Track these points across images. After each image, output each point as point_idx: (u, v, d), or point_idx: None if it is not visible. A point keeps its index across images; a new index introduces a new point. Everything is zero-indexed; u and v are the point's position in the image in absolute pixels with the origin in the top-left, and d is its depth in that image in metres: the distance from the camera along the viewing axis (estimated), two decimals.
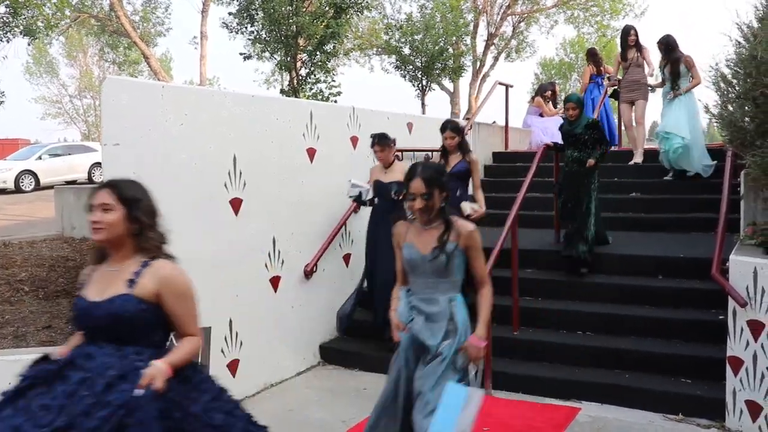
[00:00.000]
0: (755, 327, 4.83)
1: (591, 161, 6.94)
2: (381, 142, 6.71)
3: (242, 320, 5.96)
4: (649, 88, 9.79)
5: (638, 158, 9.62)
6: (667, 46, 8.77)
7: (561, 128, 7.52)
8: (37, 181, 19.89)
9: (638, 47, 9.70)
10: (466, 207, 6.25)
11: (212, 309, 5.60)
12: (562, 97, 13.59)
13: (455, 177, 6.39)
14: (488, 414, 5.43)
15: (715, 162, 8.48)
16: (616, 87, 10.27)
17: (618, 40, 10.88)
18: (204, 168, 5.59)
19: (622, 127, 11.07)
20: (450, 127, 6.70)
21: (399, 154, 8.27)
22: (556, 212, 7.80)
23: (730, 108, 5.72)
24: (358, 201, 6.93)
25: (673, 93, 8.67)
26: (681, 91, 8.60)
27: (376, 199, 6.80)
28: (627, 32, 9.79)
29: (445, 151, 6.74)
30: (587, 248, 6.88)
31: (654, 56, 9.59)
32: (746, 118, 5.43)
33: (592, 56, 12.90)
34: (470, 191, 6.84)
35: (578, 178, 7.07)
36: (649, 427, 5.18)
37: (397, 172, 6.47)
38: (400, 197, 5.32)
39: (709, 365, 5.49)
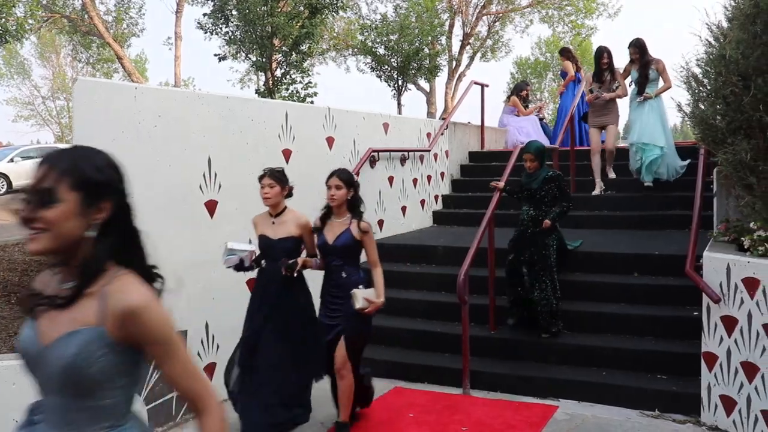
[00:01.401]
0: (729, 323, 4.88)
1: (547, 222, 6.16)
2: (273, 175, 4.95)
3: (219, 323, 5.91)
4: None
5: (611, 174, 9.33)
6: (641, 48, 8.55)
7: (522, 180, 6.52)
8: (9, 183, 19.61)
9: (611, 69, 9.23)
10: (358, 297, 4.74)
11: (188, 312, 5.57)
12: (536, 98, 13.69)
13: (340, 252, 4.92)
14: (466, 413, 5.46)
15: (688, 161, 8.50)
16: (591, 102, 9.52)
17: (594, 50, 10.60)
18: (178, 170, 5.54)
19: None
20: (338, 174, 4.96)
21: (375, 153, 8.27)
22: None
23: (702, 106, 5.78)
24: (240, 269, 4.97)
25: (643, 96, 8.42)
26: (651, 95, 8.38)
27: (263, 261, 5.00)
28: (600, 54, 9.31)
29: (327, 212, 5.07)
30: (555, 324, 6.23)
31: (624, 59, 9.44)
32: (717, 117, 5.48)
33: (571, 53, 13.08)
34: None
35: (533, 240, 6.26)
36: (625, 423, 5.22)
37: (290, 223, 4.91)
38: (293, 273, 4.78)
39: (684, 361, 5.55)
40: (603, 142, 9.30)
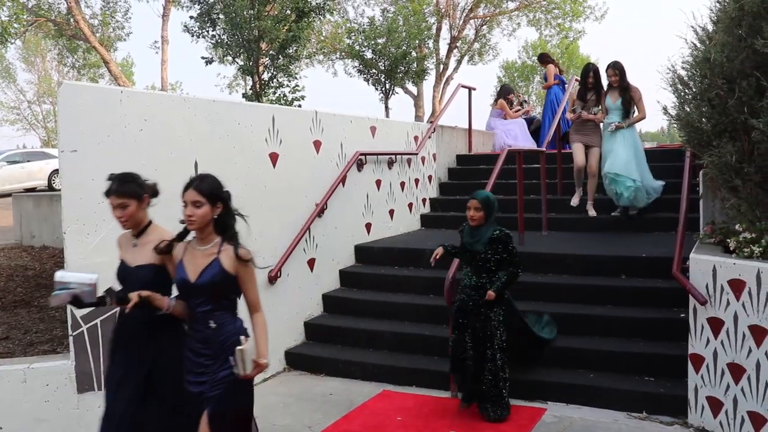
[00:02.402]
0: (715, 324, 4.90)
1: (490, 293, 5.18)
2: (122, 191, 3.76)
3: None
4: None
5: (591, 211, 8.84)
6: (621, 72, 8.12)
7: (462, 236, 5.54)
8: None
9: (598, 89, 8.76)
10: (245, 357, 3.44)
11: None
12: (521, 101, 13.80)
13: (206, 293, 3.56)
14: (454, 416, 5.45)
15: (663, 183, 8.30)
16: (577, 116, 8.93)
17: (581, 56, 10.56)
18: (165, 174, 5.49)
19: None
20: (196, 185, 3.59)
21: (362, 157, 8.26)
22: (520, 214, 7.84)
23: (687, 109, 5.81)
24: (80, 306, 3.75)
25: (616, 124, 8.04)
26: (624, 124, 8.02)
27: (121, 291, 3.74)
28: (586, 73, 8.89)
29: (183, 233, 3.75)
30: (502, 409, 5.34)
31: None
32: (703, 119, 5.51)
33: (550, 57, 13.25)
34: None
35: (476, 313, 5.33)
36: (613, 425, 5.23)
37: (153, 245, 3.78)
38: (114, 303, 3.71)
39: (671, 363, 5.56)
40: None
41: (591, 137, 8.71)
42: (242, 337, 3.44)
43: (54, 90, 43.94)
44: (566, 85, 12.34)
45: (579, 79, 9.15)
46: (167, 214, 5.69)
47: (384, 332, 6.84)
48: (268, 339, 3.64)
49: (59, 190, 4.96)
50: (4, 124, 48.28)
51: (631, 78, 8.25)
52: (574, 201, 8.98)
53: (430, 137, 10.30)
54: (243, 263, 3.58)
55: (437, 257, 5.61)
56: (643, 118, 8.21)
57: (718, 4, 5.67)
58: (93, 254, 4.88)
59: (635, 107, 8.17)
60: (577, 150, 8.81)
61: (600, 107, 8.52)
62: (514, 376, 5.93)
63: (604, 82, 8.68)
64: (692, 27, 5.81)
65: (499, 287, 5.23)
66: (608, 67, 8.24)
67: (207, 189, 3.57)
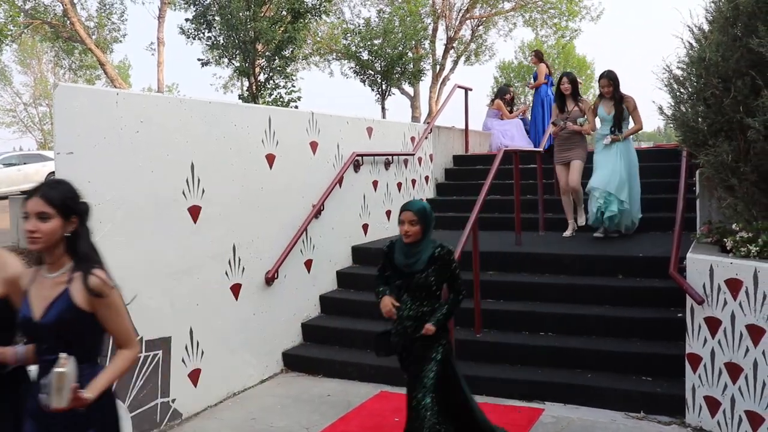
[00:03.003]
0: (712, 324, 4.90)
1: (429, 327, 4.13)
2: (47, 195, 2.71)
3: (203, 329, 5.88)
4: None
5: (570, 231, 8.40)
6: (614, 81, 7.65)
7: (388, 256, 4.42)
8: None
9: (576, 97, 8.28)
10: (63, 384, 2.51)
11: (172, 318, 5.54)
12: (519, 101, 13.82)
13: (53, 334, 2.69)
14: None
15: (641, 216, 7.97)
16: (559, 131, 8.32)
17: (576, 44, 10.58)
18: (161, 176, 5.51)
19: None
20: (42, 194, 2.70)
21: (359, 158, 8.27)
22: (517, 214, 7.85)
23: (683, 109, 5.82)
24: None
25: (611, 138, 7.63)
26: (620, 137, 7.60)
27: None
28: (560, 80, 8.38)
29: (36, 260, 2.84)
30: None
31: (606, 65, 9.04)
32: (699, 119, 5.52)
33: (543, 57, 13.31)
34: None
35: (416, 345, 4.24)
36: (611, 425, 5.23)
37: None
38: None
39: (668, 363, 5.57)
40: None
41: (572, 152, 8.17)
42: (62, 356, 2.51)
43: (50, 92, 43.88)
44: (552, 84, 12.48)
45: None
46: (162, 219, 5.70)
47: None
48: (119, 376, 2.78)
49: None
50: (0, 126, 48.20)
51: (629, 79, 8.31)
52: (568, 232, 8.40)
53: (426, 138, 10.31)
54: (97, 296, 2.66)
55: (393, 312, 4.22)
56: (640, 129, 7.87)
57: (713, 4, 5.68)
58: None
59: (630, 118, 7.78)
60: (561, 173, 8.33)
61: (585, 117, 8.09)
62: (510, 376, 5.94)
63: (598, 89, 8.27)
64: (688, 27, 5.82)
65: (440, 320, 4.17)
66: (601, 77, 7.82)
67: (58, 198, 2.68)
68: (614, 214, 7.58)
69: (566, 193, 8.30)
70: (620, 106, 7.65)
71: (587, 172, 8.10)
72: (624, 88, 7.74)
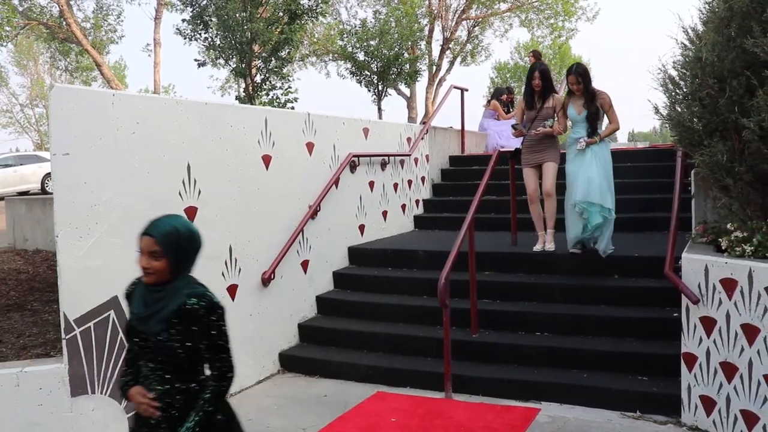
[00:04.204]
0: (707, 323, 4.91)
1: None
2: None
3: None
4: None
5: (549, 244, 7.33)
6: (584, 77, 6.77)
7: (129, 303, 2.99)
8: None
9: (546, 93, 7.25)
10: None
11: None
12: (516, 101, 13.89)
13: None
14: (448, 417, 5.46)
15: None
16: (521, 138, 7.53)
17: (571, 45, 10.54)
18: (157, 177, 5.51)
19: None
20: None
21: (355, 158, 8.28)
22: (513, 215, 7.86)
23: (678, 109, 5.83)
24: None
25: (585, 140, 6.71)
26: (595, 140, 6.70)
27: None
28: (531, 73, 7.34)
29: None
30: None
31: (603, 64, 8.51)
32: (694, 119, 5.53)
33: (539, 56, 13.39)
34: None
35: None
36: (607, 425, 5.24)
37: None
38: None
39: (664, 362, 5.58)
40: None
41: (544, 153, 7.22)
42: None
43: (46, 93, 43.82)
44: None
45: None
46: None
47: (378, 333, 6.84)
48: None
49: (52, 193, 4.95)
50: None
51: (625, 78, 8.22)
52: (538, 246, 7.37)
53: (422, 138, 10.32)
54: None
55: (154, 411, 2.77)
56: (617, 129, 7.00)
57: (707, 5, 5.70)
58: (86, 257, 4.87)
59: (605, 117, 6.95)
60: (530, 177, 7.33)
61: (555, 118, 7.18)
62: (506, 376, 5.95)
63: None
64: (682, 27, 5.83)
65: (191, 428, 2.69)
66: (568, 72, 6.93)
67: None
68: (599, 222, 6.70)
69: (535, 201, 7.34)
70: (593, 104, 6.75)
71: (561, 174, 7.27)
72: (620, 88, 7.69)
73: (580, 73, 6.77)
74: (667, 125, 6.53)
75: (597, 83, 7.14)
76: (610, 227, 6.81)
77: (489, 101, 13.70)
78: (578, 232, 6.87)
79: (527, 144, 7.33)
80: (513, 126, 7.50)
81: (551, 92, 7.30)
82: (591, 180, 6.64)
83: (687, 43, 5.80)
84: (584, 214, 6.72)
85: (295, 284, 7.24)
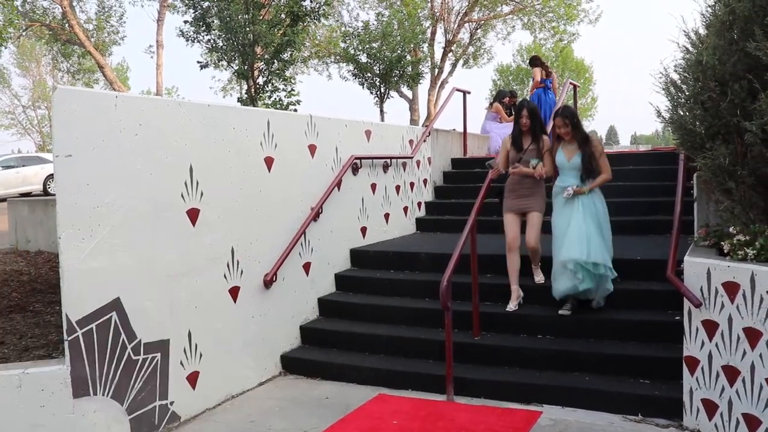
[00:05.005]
0: (710, 327, 4.91)
1: None
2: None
3: (201, 332, 5.88)
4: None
5: (537, 276, 6.93)
6: (572, 120, 6.27)
7: None
8: None
9: (536, 133, 6.64)
10: None
11: (171, 321, 5.55)
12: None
13: None
14: (450, 420, 5.46)
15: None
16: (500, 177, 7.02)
17: (574, 48, 10.62)
18: (160, 178, 5.51)
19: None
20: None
21: (357, 161, 8.29)
22: None
23: (681, 112, 5.83)
24: None
25: (573, 189, 6.21)
26: (585, 189, 6.21)
27: None
28: (519, 110, 6.71)
29: None
30: None
31: (604, 65, 8.67)
32: (696, 122, 5.53)
33: (539, 60, 13.44)
34: None
35: None
36: (609, 428, 5.23)
37: None
38: None
39: (666, 365, 5.58)
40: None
41: (529, 200, 6.66)
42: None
43: (49, 95, 43.95)
44: (548, 88, 12.68)
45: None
46: (161, 222, 5.71)
47: (380, 336, 6.84)
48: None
49: (54, 194, 4.96)
50: None
51: (627, 82, 8.12)
52: (512, 305, 6.63)
53: (425, 141, 10.32)
54: None
55: None
56: (608, 179, 6.32)
57: (709, 9, 5.70)
58: (88, 259, 4.87)
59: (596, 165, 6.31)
60: (511, 223, 6.69)
61: (541, 159, 6.58)
62: (508, 379, 5.94)
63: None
64: (684, 31, 5.83)
65: None
66: (555, 115, 6.44)
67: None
68: (590, 288, 6.20)
69: (514, 249, 6.65)
70: (587, 147, 6.27)
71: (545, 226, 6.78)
72: (622, 91, 7.69)
73: (567, 116, 6.26)
74: (669, 128, 6.52)
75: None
76: (609, 282, 6.29)
77: (491, 104, 13.71)
78: (567, 287, 6.23)
79: (510, 187, 6.78)
80: (488, 164, 6.82)
81: (541, 133, 6.70)
82: (580, 236, 6.10)
83: (689, 46, 5.80)
84: (579, 274, 6.10)
85: (297, 286, 7.25)
